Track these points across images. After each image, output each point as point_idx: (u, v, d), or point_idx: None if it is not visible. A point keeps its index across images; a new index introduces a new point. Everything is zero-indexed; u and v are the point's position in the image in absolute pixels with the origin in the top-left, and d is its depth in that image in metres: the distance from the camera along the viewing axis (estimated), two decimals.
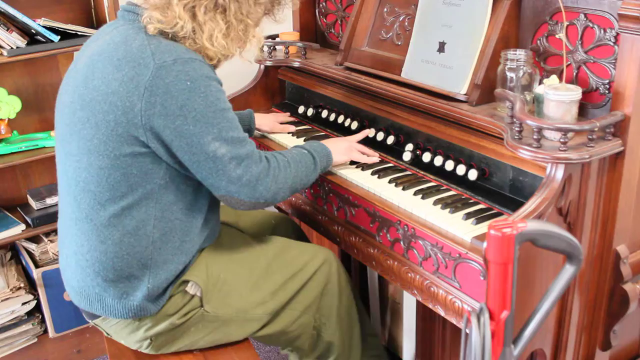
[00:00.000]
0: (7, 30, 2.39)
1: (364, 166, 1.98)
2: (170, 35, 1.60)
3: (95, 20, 2.70)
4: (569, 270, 1.17)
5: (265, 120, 2.29)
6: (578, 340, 1.74)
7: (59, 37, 2.46)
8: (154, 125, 1.55)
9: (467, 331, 1.22)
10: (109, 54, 1.58)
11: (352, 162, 2.01)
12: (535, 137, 1.52)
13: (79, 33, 2.50)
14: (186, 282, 1.74)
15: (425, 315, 2.20)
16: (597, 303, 1.72)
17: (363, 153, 2.00)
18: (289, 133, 2.29)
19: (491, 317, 1.16)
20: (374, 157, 2.00)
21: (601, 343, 1.76)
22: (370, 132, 2.09)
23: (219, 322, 1.77)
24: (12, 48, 2.40)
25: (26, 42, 2.43)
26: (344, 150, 1.96)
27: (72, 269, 1.73)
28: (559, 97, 1.54)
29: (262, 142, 2.29)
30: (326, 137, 2.23)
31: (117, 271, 1.66)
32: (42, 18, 2.45)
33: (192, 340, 1.78)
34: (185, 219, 1.70)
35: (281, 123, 2.33)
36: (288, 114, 2.42)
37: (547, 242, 1.13)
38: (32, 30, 2.44)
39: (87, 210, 1.64)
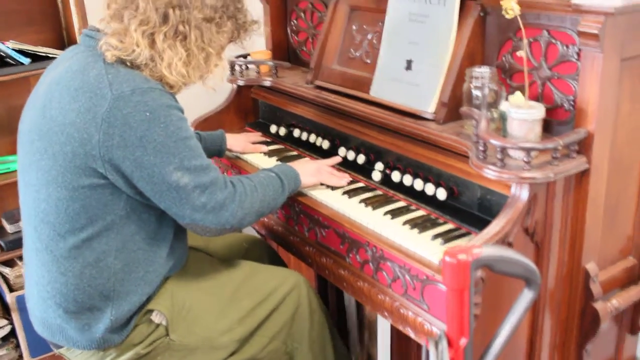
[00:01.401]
0: None
1: (334, 187, 1.96)
2: (129, 63, 1.58)
3: (66, 41, 2.68)
4: (527, 296, 1.15)
5: (237, 141, 2.27)
6: None
7: (29, 59, 2.45)
8: (112, 157, 1.52)
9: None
10: (67, 83, 1.56)
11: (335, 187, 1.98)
12: (499, 156, 1.50)
13: (50, 55, 2.49)
14: (151, 311, 1.71)
15: (400, 335, 2.17)
16: (568, 322, 1.70)
17: (332, 175, 1.98)
18: (261, 153, 2.27)
19: (450, 344, 1.14)
20: (343, 178, 1.98)
21: None
22: (338, 159, 2.08)
23: (185, 350, 1.74)
24: None
25: None
26: (312, 172, 1.94)
27: (34, 299, 1.70)
28: (521, 116, 1.53)
29: (235, 162, 2.27)
30: (298, 156, 2.21)
31: (78, 303, 1.63)
32: (11, 40, 2.45)
33: None
34: (148, 248, 1.67)
35: (253, 143, 2.31)
36: (260, 133, 2.41)
37: (503, 268, 1.11)
38: (2, 53, 2.42)
39: (47, 241, 1.61)
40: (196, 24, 1.61)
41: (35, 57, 2.47)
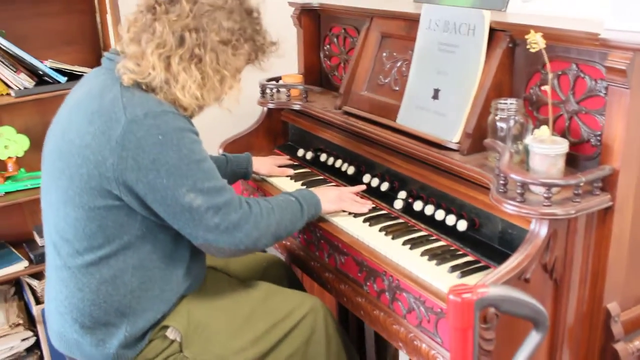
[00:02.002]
0: (15, 71, 2.44)
1: (356, 214, 1.95)
2: (145, 87, 1.59)
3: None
4: (535, 338, 1.12)
5: (264, 164, 2.28)
6: None
7: (66, 78, 2.50)
8: (126, 179, 1.54)
9: None
10: (85, 107, 1.59)
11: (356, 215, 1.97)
12: (519, 191, 1.48)
13: (86, 74, 2.53)
14: (166, 327, 1.72)
15: None
16: None
17: (355, 202, 1.97)
18: (287, 176, 2.28)
19: None
20: (365, 205, 1.96)
21: None
22: (362, 187, 2.06)
23: None
24: (19, 89, 2.45)
25: (34, 82, 2.48)
26: (334, 199, 1.94)
27: (52, 314, 1.73)
28: (543, 151, 1.50)
29: (260, 185, 2.28)
30: (324, 181, 2.21)
31: (94, 318, 1.65)
32: (50, 60, 2.50)
33: None
34: (165, 267, 1.69)
35: (280, 166, 2.32)
36: (287, 157, 2.42)
37: (510, 308, 1.09)
38: (40, 72, 2.48)
39: (66, 258, 1.64)
40: (212, 46, 1.62)
41: (72, 76, 2.52)
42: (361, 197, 2.01)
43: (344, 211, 1.97)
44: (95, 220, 1.58)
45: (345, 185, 2.11)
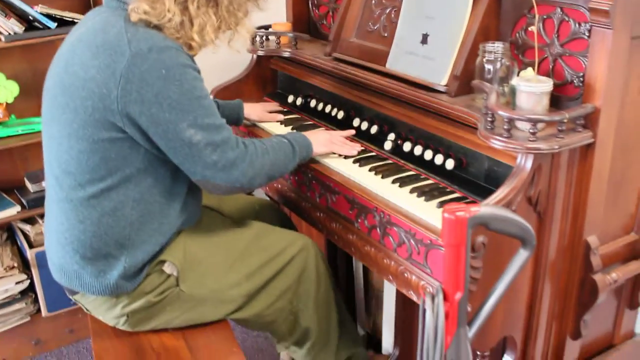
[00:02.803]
0: (5, 16, 2.44)
1: (346, 155, 2.01)
2: (152, 24, 1.63)
3: (93, 7, 2.74)
4: (522, 255, 1.21)
5: (254, 110, 2.33)
6: (548, 328, 1.77)
7: (55, 24, 2.51)
8: (130, 111, 1.59)
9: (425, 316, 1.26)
10: (88, 41, 1.62)
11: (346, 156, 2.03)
12: (505, 127, 1.55)
13: (76, 20, 2.55)
14: (163, 261, 1.78)
15: (405, 303, 2.23)
16: (567, 292, 1.75)
17: (344, 144, 2.03)
18: (277, 122, 2.33)
19: (446, 298, 1.19)
20: (354, 148, 2.03)
21: (571, 332, 1.79)
22: (351, 132, 2.11)
23: (194, 301, 1.82)
24: (9, 34, 2.45)
25: (24, 28, 2.48)
26: (324, 142, 2.00)
27: (53, 247, 1.78)
28: (529, 89, 1.57)
29: (252, 130, 2.33)
30: (314, 126, 2.27)
31: (94, 250, 1.71)
32: (40, 5, 2.51)
33: (167, 318, 1.83)
34: (164, 201, 1.74)
35: (270, 112, 2.37)
36: (277, 103, 2.46)
37: (499, 226, 1.17)
38: (30, 17, 2.49)
39: (68, 190, 1.68)
40: None
41: (62, 22, 2.53)
42: (351, 141, 2.07)
43: (334, 153, 2.03)
44: (98, 153, 1.63)
45: (335, 130, 2.17)
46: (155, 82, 1.56)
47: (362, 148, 2.05)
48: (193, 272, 1.81)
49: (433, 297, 1.19)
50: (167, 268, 1.78)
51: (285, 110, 2.42)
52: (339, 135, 2.07)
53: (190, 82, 1.61)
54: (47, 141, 1.74)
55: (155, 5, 1.61)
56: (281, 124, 2.31)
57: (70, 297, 1.86)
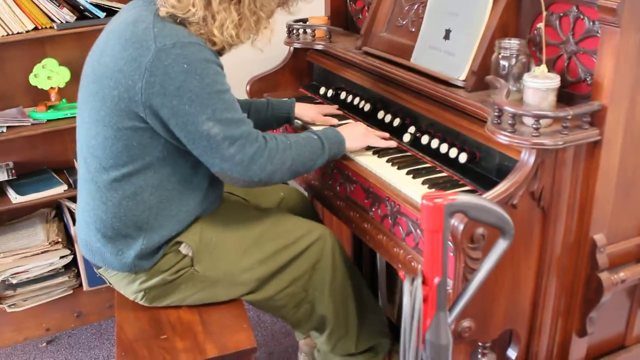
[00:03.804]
0: (58, 5, 2.59)
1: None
2: (178, 20, 1.72)
3: None
4: (501, 245, 1.24)
5: (308, 111, 2.30)
6: (554, 325, 1.78)
7: (104, 13, 2.65)
8: (152, 103, 1.68)
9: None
10: (120, 34, 1.73)
11: (369, 147, 2.04)
12: (510, 122, 1.57)
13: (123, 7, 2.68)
14: (179, 242, 1.87)
15: None
16: (573, 289, 1.75)
17: (380, 139, 2.05)
18: (331, 126, 2.22)
19: (425, 283, 1.24)
20: (391, 142, 2.05)
21: (577, 329, 1.79)
22: (391, 143, 2.07)
23: (207, 282, 1.90)
24: (62, 22, 2.60)
25: (75, 17, 2.63)
26: (360, 137, 2.01)
27: (80, 223, 1.91)
28: (535, 85, 1.59)
29: (298, 131, 2.31)
30: (343, 117, 2.31)
31: (114, 230, 1.82)
32: None
33: (182, 296, 1.92)
34: (183, 190, 1.84)
35: (325, 115, 2.31)
36: (336, 106, 2.40)
37: (477, 215, 1.20)
38: (81, 7, 2.63)
39: (93, 172, 1.80)
40: None
41: (110, 12, 2.67)
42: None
43: (369, 148, 2.04)
44: (121, 140, 1.73)
45: (360, 121, 2.22)
46: (177, 76, 1.65)
47: (395, 144, 2.07)
48: (208, 254, 1.89)
49: (413, 280, 1.24)
50: (183, 249, 1.88)
51: (341, 114, 2.35)
52: (373, 131, 2.08)
53: (211, 77, 1.69)
54: (80, 125, 1.86)
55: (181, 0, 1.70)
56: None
57: (96, 270, 1.98)
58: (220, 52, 1.82)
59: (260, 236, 1.95)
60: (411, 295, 1.23)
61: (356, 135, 2.03)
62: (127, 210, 1.79)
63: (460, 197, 1.18)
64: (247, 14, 1.77)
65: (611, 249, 1.73)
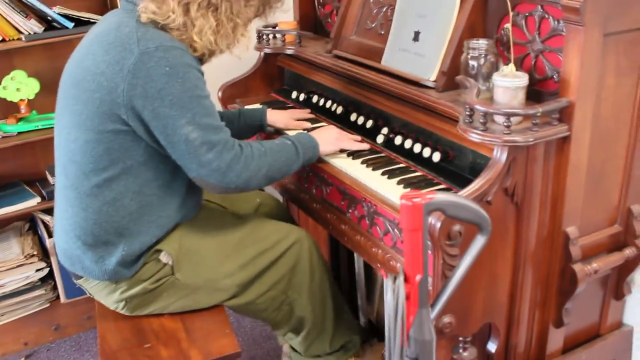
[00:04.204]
0: (25, 17, 2.58)
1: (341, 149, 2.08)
2: (160, 25, 1.74)
3: (109, 8, 2.86)
4: (479, 241, 1.27)
5: (280, 117, 2.32)
6: (531, 316, 1.83)
7: (73, 23, 2.64)
8: (134, 105, 1.70)
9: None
10: (102, 39, 1.75)
11: (343, 150, 2.07)
12: (481, 120, 1.61)
13: (92, 20, 2.67)
14: (159, 251, 1.89)
15: None
16: (549, 281, 1.80)
17: (353, 142, 2.07)
18: (304, 130, 2.27)
19: (407, 280, 1.27)
20: (364, 144, 2.07)
21: (554, 320, 1.84)
22: (364, 145, 2.10)
23: (188, 289, 1.92)
24: (29, 33, 2.59)
25: (43, 28, 2.62)
26: (332, 140, 2.04)
27: (59, 232, 1.91)
28: (504, 84, 1.64)
29: (272, 137, 2.32)
30: (316, 121, 2.34)
31: (95, 237, 1.82)
32: (58, 6, 2.64)
33: (164, 304, 1.93)
34: (163, 195, 1.85)
35: (297, 119, 2.33)
36: (308, 110, 2.43)
37: (455, 213, 1.24)
38: (49, 17, 2.62)
39: (73, 179, 1.80)
40: None
41: (79, 22, 2.66)
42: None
43: (343, 150, 2.06)
44: (103, 143, 1.74)
45: (333, 124, 2.25)
46: (159, 79, 1.67)
47: (369, 147, 2.09)
48: (188, 262, 1.91)
49: (395, 278, 1.27)
50: (163, 257, 1.89)
51: (313, 117, 2.39)
52: (346, 135, 2.10)
53: (192, 81, 1.71)
54: (58, 131, 1.87)
55: (162, 6, 1.73)
56: (308, 132, 2.22)
57: (75, 281, 1.98)
58: (201, 60, 1.84)
59: (239, 242, 1.97)
60: (394, 293, 1.26)
61: (329, 139, 2.05)
62: (107, 217, 1.80)
63: (438, 195, 1.21)
64: (224, 20, 1.80)
65: (583, 241, 1.78)
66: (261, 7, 1.95)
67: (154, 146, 1.78)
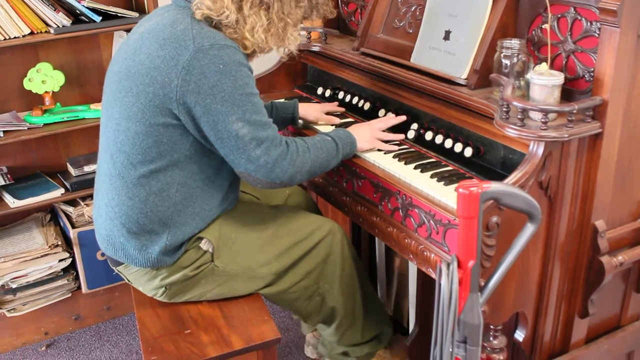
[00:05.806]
0: (54, 10, 2.62)
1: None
2: (214, 23, 1.80)
3: (134, 4, 2.91)
4: (529, 229, 1.34)
5: (310, 110, 2.37)
6: (558, 307, 1.90)
7: (100, 17, 2.68)
8: (186, 100, 1.75)
9: (440, 282, 1.40)
10: (157, 34, 1.80)
11: None
12: (519, 117, 1.68)
13: (119, 14, 2.72)
14: (200, 238, 1.94)
15: (425, 282, 2.37)
16: (576, 273, 1.87)
17: (388, 140, 2.13)
18: (333, 125, 2.34)
19: (460, 266, 1.33)
20: (395, 145, 2.12)
21: (580, 311, 1.91)
22: (396, 120, 2.18)
23: (226, 276, 1.98)
24: (58, 26, 2.63)
25: (71, 21, 2.66)
26: (369, 139, 2.10)
27: (102, 219, 1.95)
28: (542, 82, 1.71)
29: (305, 132, 2.37)
30: (343, 116, 2.40)
31: (140, 225, 1.87)
32: (86, 0, 2.68)
33: (202, 291, 1.99)
34: (207, 189, 1.91)
35: (327, 113, 2.38)
36: (336, 103, 2.48)
37: (509, 202, 1.30)
38: (77, 11, 2.66)
39: (121, 168, 1.85)
40: None
41: (106, 16, 2.70)
42: (393, 133, 2.16)
43: (378, 150, 2.12)
44: (152, 136, 1.80)
45: (360, 120, 2.31)
46: (212, 76, 1.73)
47: (402, 143, 2.15)
48: (227, 250, 1.96)
49: (448, 265, 1.33)
50: (204, 245, 1.94)
51: (342, 112, 2.44)
52: (380, 129, 2.15)
53: (244, 79, 1.77)
54: (106, 121, 1.91)
55: (216, 2, 1.78)
56: (337, 127, 2.29)
57: (114, 267, 2.03)
58: (250, 56, 1.90)
59: (275, 232, 2.04)
60: (448, 278, 1.32)
61: (366, 136, 2.11)
62: (153, 206, 1.85)
63: (494, 185, 1.28)
64: (275, 19, 1.87)
65: (610, 234, 1.86)
66: (309, 9, 2.02)
67: (201, 141, 1.83)
